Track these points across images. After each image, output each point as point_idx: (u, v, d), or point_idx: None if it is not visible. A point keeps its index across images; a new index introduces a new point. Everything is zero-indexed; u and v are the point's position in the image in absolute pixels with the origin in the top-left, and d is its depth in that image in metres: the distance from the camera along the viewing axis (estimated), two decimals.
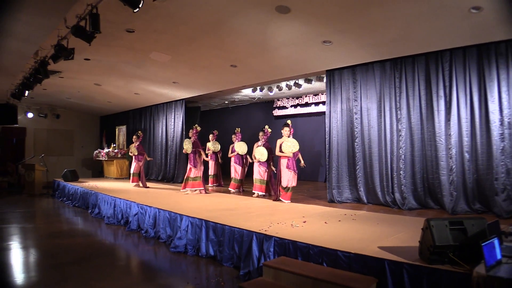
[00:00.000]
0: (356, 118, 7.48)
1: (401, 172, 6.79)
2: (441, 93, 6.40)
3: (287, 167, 7.35)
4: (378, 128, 7.20)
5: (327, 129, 7.96)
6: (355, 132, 7.47)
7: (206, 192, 9.07)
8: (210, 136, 10.65)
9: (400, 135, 6.83)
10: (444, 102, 6.40)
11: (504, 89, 5.76)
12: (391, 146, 6.99)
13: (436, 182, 6.49)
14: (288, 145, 7.32)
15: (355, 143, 7.47)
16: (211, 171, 10.74)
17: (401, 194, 6.77)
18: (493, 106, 5.83)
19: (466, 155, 6.14)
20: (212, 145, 10.48)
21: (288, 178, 7.37)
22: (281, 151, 7.41)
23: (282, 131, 7.52)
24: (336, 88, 7.83)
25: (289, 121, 7.66)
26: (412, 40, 6.16)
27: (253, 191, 8.52)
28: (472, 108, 6.12)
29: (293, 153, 7.39)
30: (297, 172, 7.50)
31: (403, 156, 6.79)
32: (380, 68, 7.19)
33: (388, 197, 7.00)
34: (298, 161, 7.65)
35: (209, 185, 10.36)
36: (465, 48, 6.14)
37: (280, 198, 7.48)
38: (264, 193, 8.42)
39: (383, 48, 6.66)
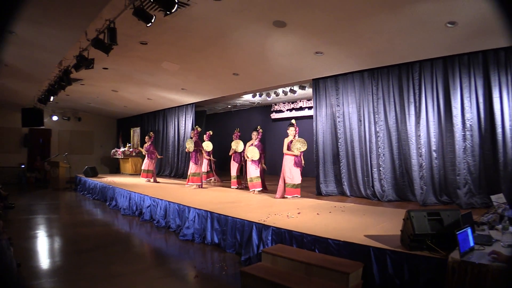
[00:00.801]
0: (339, 122, 7.62)
1: (381, 168, 6.92)
2: (412, 99, 6.55)
3: (295, 164, 6.82)
4: (358, 130, 7.33)
5: (314, 131, 8.10)
6: (338, 134, 7.61)
7: (201, 187, 9.02)
8: (204, 136, 10.34)
9: (378, 136, 6.98)
10: (414, 107, 6.53)
11: (466, 95, 5.92)
12: (370, 146, 7.12)
13: (410, 177, 6.60)
14: (297, 144, 6.80)
15: (339, 143, 7.61)
16: (204, 168, 10.22)
17: (381, 188, 6.90)
18: (456, 111, 5.99)
19: (434, 154, 6.27)
20: (205, 145, 10.09)
21: (297, 175, 6.83)
22: (288, 149, 6.88)
23: (287, 131, 7.02)
24: (321, 95, 7.99)
25: (293, 121, 7.20)
26: (395, 51, 6.16)
27: (250, 190, 7.89)
28: (439, 113, 6.28)
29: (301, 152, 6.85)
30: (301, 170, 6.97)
31: (382, 154, 6.93)
32: (359, 78, 7.33)
33: (369, 190, 7.11)
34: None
35: (203, 180, 9.76)
36: (433, 60, 6.27)
37: (285, 195, 6.89)
38: (261, 189, 7.91)
39: (369, 58, 6.66)
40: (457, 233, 2.74)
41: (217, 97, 11.18)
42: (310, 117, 12.41)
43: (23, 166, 14.88)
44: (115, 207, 8.81)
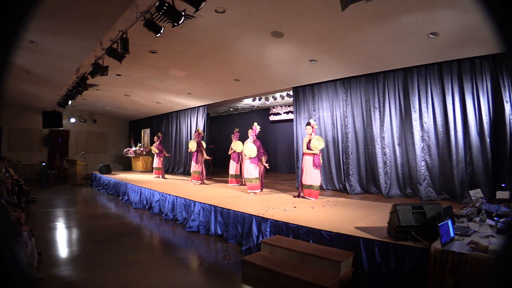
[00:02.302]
0: (316, 124, 7.60)
1: (350, 165, 7.22)
2: (376, 105, 6.84)
3: (314, 165, 6.14)
4: (332, 132, 7.63)
5: (294, 133, 8.28)
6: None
7: (203, 183, 8.94)
8: (195, 135, 9.53)
9: (348, 137, 7.27)
10: (378, 112, 6.81)
11: (423, 101, 6.18)
12: (342, 146, 7.41)
13: (376, 173, 6.86)
14: (315, 142, 6.14)
15: None
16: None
17: (350, 182, 7.20)
18: (415, 115, 6.27)
19: (398, 153, 6.55)
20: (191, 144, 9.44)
21: (316, 176, 6.14)
22: (308, 148, 6.22)
23: (305, 130, 6.50)
24: (300, 101, 8.27)
25: (311, 120, 6.50)
26: (382, 59, 6.16)
27: (248, 191, 7.05)
28: (401, 117, 6.56)
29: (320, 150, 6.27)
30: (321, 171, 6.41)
31: (350, 153, 7.24)
32: (332, 86, 7.61)
33: (341, 184, 7.41)
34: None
35: (194, 180, 9.10)
36: (395, 71, 6.56)
37: (303, 195, 6.24)
38: (260, 190, 7.09)
39: (358, 66, 6.65)
40: (439, 224, 2.75)
41: (220, 101, 11.17)
42: None
43: (43, 164, 14.85)
44: (127, 201, 8.80)
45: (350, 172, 7.17)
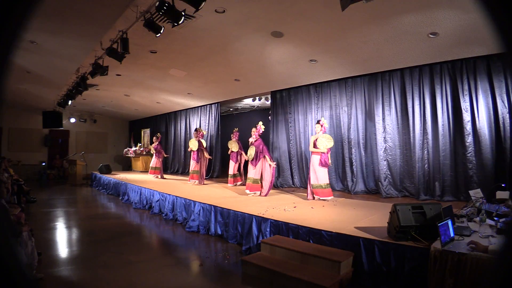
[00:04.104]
0: (291, 126, 8.48)
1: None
2: (345, 109, 7.45)
3: (320, 164, 6.05)
4: (304, 134, 8.16)
5: (271, 134, 8.85)
6: (290, 136, 8.48)
7: (203, 183, 8.82)
8: (195, 134, 9.28)
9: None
10: (346, 115, 7.37)
11: (386, 105, 6.68)
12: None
13: (342, 171, 7.44)
14: (323, 141, 6.08)
15: (290, 145, 8.46)
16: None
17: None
18: (377, 118, 6.78)
19: (363, 153, 7.09)
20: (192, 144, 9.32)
21: (323, 175, 6.06)
22: (315, 147, 6.13)
23: (314, 128, 6.52)
24: (278, 105, 8.86)
25: (322, 119, 6.43)
26: (381, 59, 6.16)
27: (246, 190, 6.90)
28: (366, 119, 7.11)
29: (327, 149, 6.15)
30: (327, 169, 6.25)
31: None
32: (306, 91, 8.17)
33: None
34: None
35: (192, 180, 8.98)
36: (362, 76, 7.08)
37: (314, 196, 6.08)
38: (259, 192, 6.77)
39: (358, 66, 6.65)
40: (439, 224, 2.74)
41: (220, 101, 11.17)
42: None
43: (43, 163, 14.86)
44: (127, 201, 8.80)
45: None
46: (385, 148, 6.64)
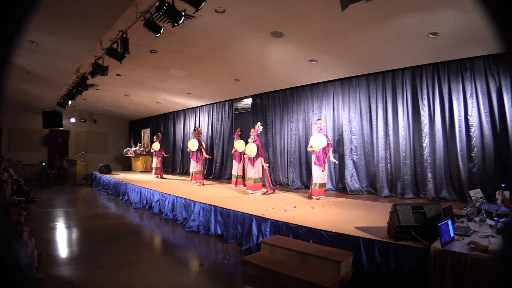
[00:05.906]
0: (269, 129, 9.11)
1: (292, 164, 8.38)
2: (316, 112, 7.96)
3: (315, 163, 6.13)
4: (280, 136, 8.87)
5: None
6: (268, 137, 9.09)
7: (203, 184, 8.73)
8: (193, 133, 9.17)
9: (292, 140, 8.45)
10: (316, 118, 7.63)
11: (352, 109, 7.27)
12: (287, 148, 8.62)
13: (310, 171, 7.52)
14: (315, 139, 6.16)
15: (269, 145, 9.03)
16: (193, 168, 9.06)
17: (292, 178, 8.29)
18: (345, 120, 7.36)
19: (331, 152, 6.87)
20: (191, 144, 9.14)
21: (317, 174, 6.09)
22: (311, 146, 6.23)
23: (312, 128, 6.66)
24: (258, 108, 9.54)
25: (321, 119, 6.59)
26: (382, 59, 6.16)
27: (247, 190, 7.05)
28: (334, 122, 7.63)
29: (322, 149, 6.13)
30: (325, 169, 6.17)
31: (293, 153, 8.39)
32: (282, 95, 8.82)
33: (285, 180, 8.59)
34: (328, 158, 6.27)
35: (194, 180, 8.85)
36: (334, 81, 7.58)
37: (311, 195, 6.17)
38: (261, 191, 7.02)
39: (358, 66, 6.66)
40: (439, 224, 2.75)
41: (220, 101, 11.16)
42: None
43: (43, 163, 14.85)
44: (127, 201, 8.80)
45: (292, 169, 8.32)
46: (351, 149, 7.21)
